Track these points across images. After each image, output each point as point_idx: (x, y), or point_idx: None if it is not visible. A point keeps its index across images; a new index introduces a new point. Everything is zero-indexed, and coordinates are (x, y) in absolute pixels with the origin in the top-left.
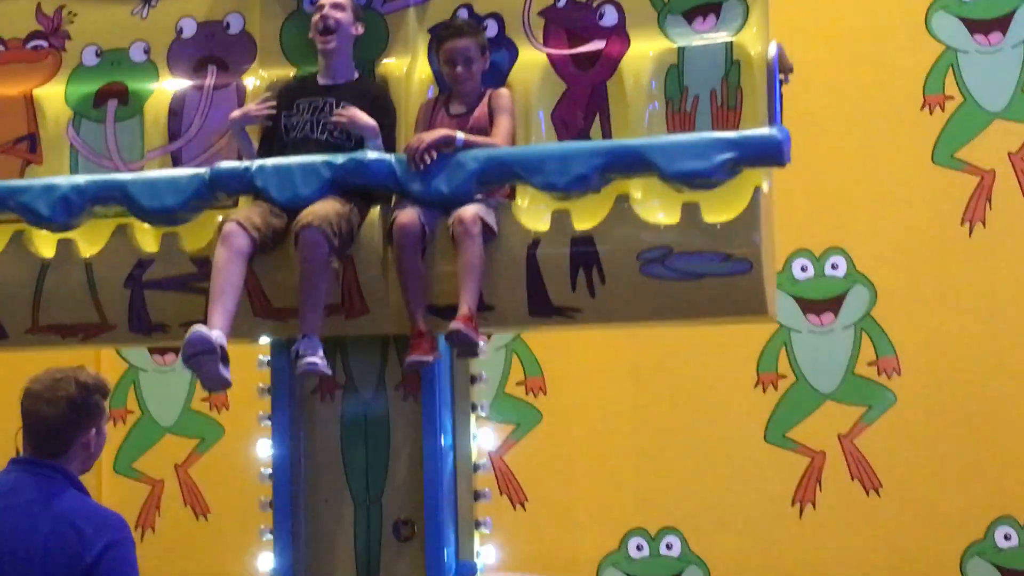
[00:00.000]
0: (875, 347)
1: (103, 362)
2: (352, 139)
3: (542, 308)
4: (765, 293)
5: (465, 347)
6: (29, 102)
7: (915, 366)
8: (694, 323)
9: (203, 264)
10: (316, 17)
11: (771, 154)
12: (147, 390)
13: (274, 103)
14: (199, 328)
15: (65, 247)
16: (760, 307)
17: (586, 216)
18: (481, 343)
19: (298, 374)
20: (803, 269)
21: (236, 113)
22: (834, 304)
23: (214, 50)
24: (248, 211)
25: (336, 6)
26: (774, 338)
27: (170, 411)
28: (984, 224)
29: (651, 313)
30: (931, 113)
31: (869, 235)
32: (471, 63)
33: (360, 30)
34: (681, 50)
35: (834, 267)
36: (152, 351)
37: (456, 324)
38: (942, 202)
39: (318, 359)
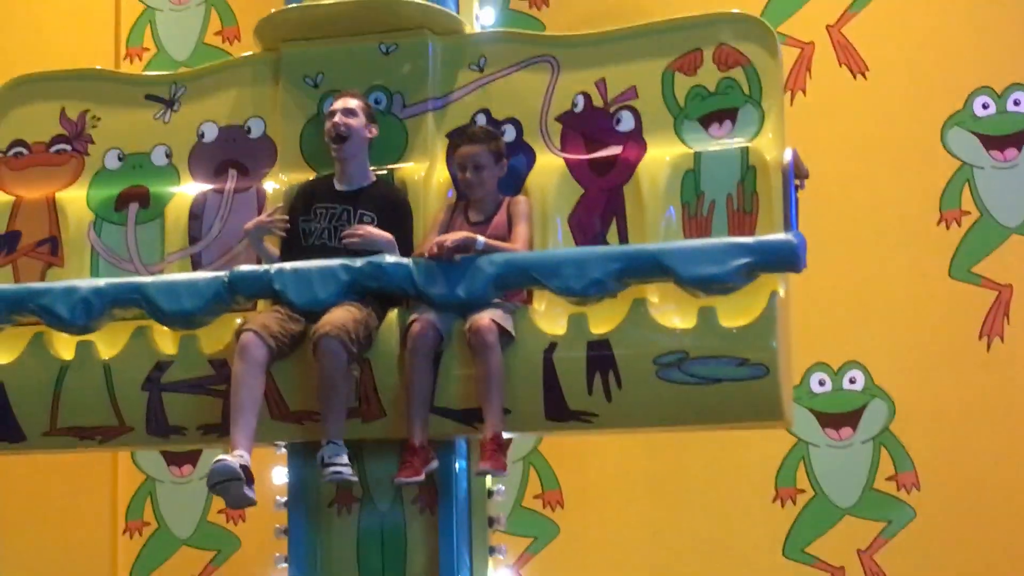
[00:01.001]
0: (894, 462)
1: (121, 474)
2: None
3: (559, 412)
4: (782, 398)
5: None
6: (52, 205)
7: (934, 481)
8: (710, 428)
9: (221, 366)
10: (328, 125)
11: (787, 259)
12: (164, 501)
13: (285, 217)
14: (224, 459)
15: (84, 349)
16: (776, 412)
17: (603, 320)
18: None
19: (324, 482)
20: (821, 383)
21: (249, 224)
22: (852, 418)
23: (235, 154)
24: (265, 318)
25: (348, 112)
26: (792, 452)
27: (187, 523)
28: (1002, 339)
29: (667, 418)
30: (948, 228)
31: (887, 349)
32: (481, 170)
33: (374, 132)
34: (697, 155)
35: (852, 381)
36: (169, 462)
37: (483, 466)
38: (960, 317)
39: (344, 467)
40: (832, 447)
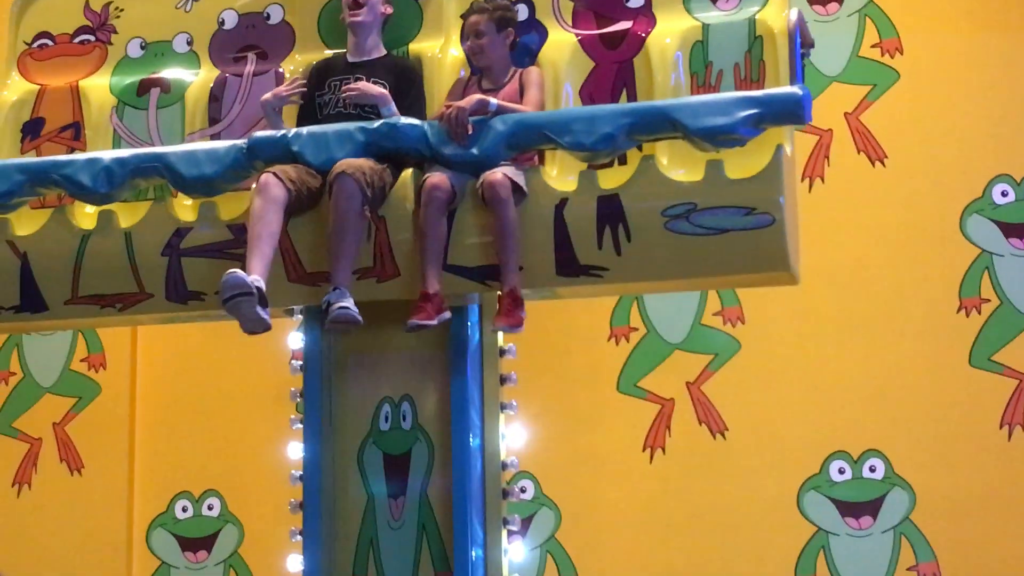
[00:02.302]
0: (915, 552)
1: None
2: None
3: (570, 267)
4: (787, 247)
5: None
6: (75, 92)
7: (955, 571)
8: (717, 280)
9: (240, 231)
10: None
11: (793, 110)
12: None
13: (303, 83)
14: (236, 271)
15: (105, 218)
16: (782, 262)
17: (612, 176)
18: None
19: (329, 322)
20: (841, 471)
21: (267, 95)
22: (872, 507)
23: (254, 39)
24: (285, 166)
25: None
26: (812, 541)
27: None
28: None
29: (676, 271)
30: (967, 316)
31: (907, 438)
32: (483, 36)
33: (389, 10)
34: (706, 27)
35: (872, 470)
36: (184, 551)
37: (500, 322)
38: (980, 405)
39: (349, 305)
40: (852, 536)
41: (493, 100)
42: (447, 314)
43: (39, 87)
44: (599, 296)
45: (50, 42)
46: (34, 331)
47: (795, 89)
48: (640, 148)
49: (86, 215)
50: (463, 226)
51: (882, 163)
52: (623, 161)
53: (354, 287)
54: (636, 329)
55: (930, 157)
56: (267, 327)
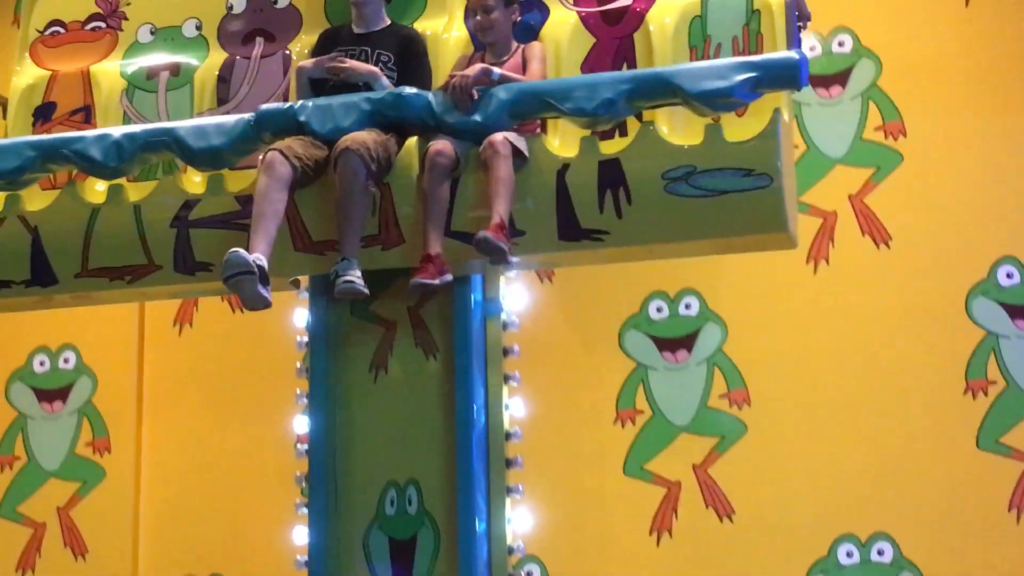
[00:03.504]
0: None
1: None
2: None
3: (571, 231)
4: (785, 208)
5: (495, 254)
6: (86, 77)
7: None
8: (718, 243)
9: (247, 202)
10: None
11: (789, 74)
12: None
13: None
14: (237, 250)
15: (115, 192)
16: (780, 222)
17: (613, 143)
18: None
19: (336, 293)
20: (849, 554)
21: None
22: None
23: (262, 23)
24: (290, 141)
25: None
26: None
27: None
28: None
29: (676, 232)
30: (974, 398)
31: (915, 520)
32: (491, 11)
33: None
34: (704, 1)
35: (880, 553)
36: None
37: (484, 232)
38: (988, 488)
39: (355, 278)
40: None
41: (496, 70)
42: (449, 276)
43: (51, 73)
44: (600, 263)
45: (62, 29)
46: (44, 306)
47: (791, 54)
48: (640, 118)
49: (96, 191)
50: (466, 193)
51: (887, 245)
52: (624, 132)
53: (360, 255)
54: (642, 412)
55: (935, 239)
56: (267, 304)
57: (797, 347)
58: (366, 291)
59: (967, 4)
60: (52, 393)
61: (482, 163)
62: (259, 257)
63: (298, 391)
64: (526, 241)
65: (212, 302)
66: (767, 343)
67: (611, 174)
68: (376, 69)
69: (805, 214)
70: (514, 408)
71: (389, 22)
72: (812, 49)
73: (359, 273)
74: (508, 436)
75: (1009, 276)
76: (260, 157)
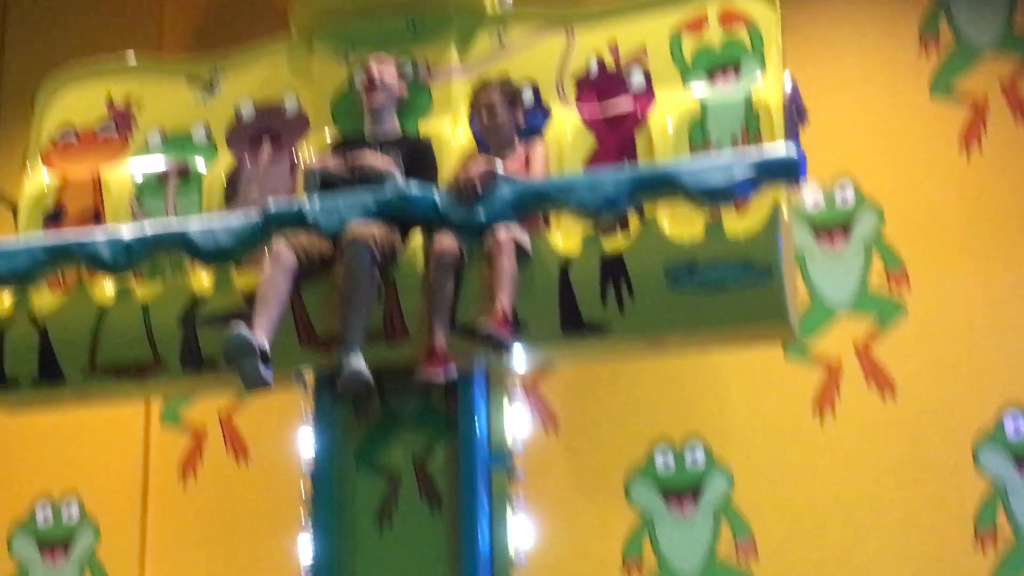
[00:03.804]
0: None
1: None
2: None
3: (573, 323)
4: (786, 300)
5: (497, 345)
6: (96, 181)
7: None
8: (719, 335)
9: (253, 300)
10: (363, 75)
11: (788, 169)
12: None
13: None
14: (240, 327)
15: (123, 290)
16: (781, 314)
17: (615, 239)
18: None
19: (340, 386)
20: None
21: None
22: None
23: (270, 128)
24: (296, 233)
25: (381, 65)
26: None
27: None
28: None
29: (678, 326)
30: (984, 551)
31: None
32: (495, 108)
33: (404, 92)
34: (704, 103)
35: None
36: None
37: (486, 324)
38: None
39: (360, 368)
40: None
41: (499, 162)
42: (454, 370)
43: (61, 178)
44: (602, 358)
45: (73, 134)
46: (52, 406)
47: (790, 148)
48: (642, 214)
49: (104, 289)
50: (470, 288)
51: (892, 395)
52: (625, 226)
53: (364, 349)
54: (648, 563)
55: (940, 389)
56: (268, 385)
57: (804, 498)
58: (371, 381)
59: (968, 156)
60: (54, 545)
61: (486, 257)
62: (261, 337)
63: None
64: (528, 332)
65: (217, 453)
66: (774, 494)
67: (613, 268)
68: (391, 164)
69: (810, 364)
70: (519, 557)
71: (400, 131)
72: (815, 202)
73: (363, 362)
74: None
75: (1016, 427)
76: (266, 249)
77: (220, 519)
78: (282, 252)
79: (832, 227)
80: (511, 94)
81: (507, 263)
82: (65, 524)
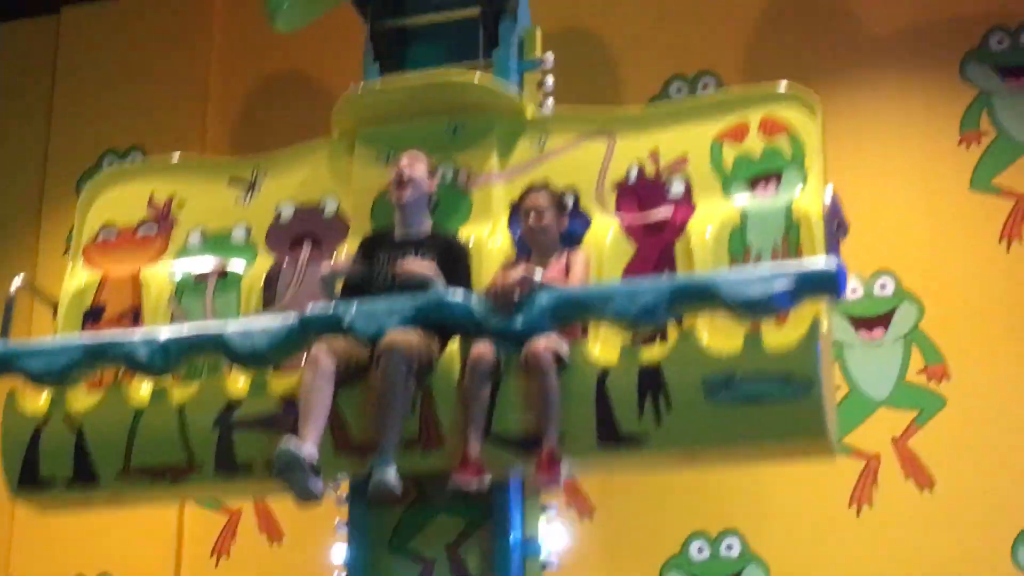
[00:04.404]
0: None
1: None
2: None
3: (611, 436)
4: (825, 415)
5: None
6: (136, 280)
7: None
8: (757, 449)
9: (290, 404)
10: (393, 174)
11: (828, 283)
12: None
13: (355, 260)
14: (290, 442)
15: (159, 394)
16: (820, 430)
17: (653, 349)
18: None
19: (369, 492)
20: None
21: (326, 270)
22: None
23: (309, 230)
24: (333, 339)
25: (411, 162)
26: None
27: None
28: None
29: (716, 439)
30: None
31: None
32: (543, 214)
33: (434, 187)
34: (744, 213)
35: None
36: None
37: (537, 479)
38: None
39: (390, 477)
40: None
41: (538, 270)
42: (487, 479)
43: (101, 275)
44: (639, 470)
45: (114, 233)
46: (85, 507)
47: (831, 262)
48: (680, 323)
49: (140, 391)
50: (507, 396)
51: (930, 490)
52: (664, 336)
53: (399, 456)
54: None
55: (980, 484)
56: (318, 499)
57: None
58: (398, 491)
59: (1008, 248)
60: None
61: (523, 368)
62: (310, 449)
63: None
64: (564, 444)
65: (251, 533)
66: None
67: (651, 380)
68: (432, 269)
69: (848, 456)
70: None
71: (431, 229)
72: (854, 291)
73: (394, 471)
74: None
75: None
76: (304, 354)
77: None
78: (321, 358)
79: (872, 319)
80: (558, 199)
81: (548, 385)
82: None
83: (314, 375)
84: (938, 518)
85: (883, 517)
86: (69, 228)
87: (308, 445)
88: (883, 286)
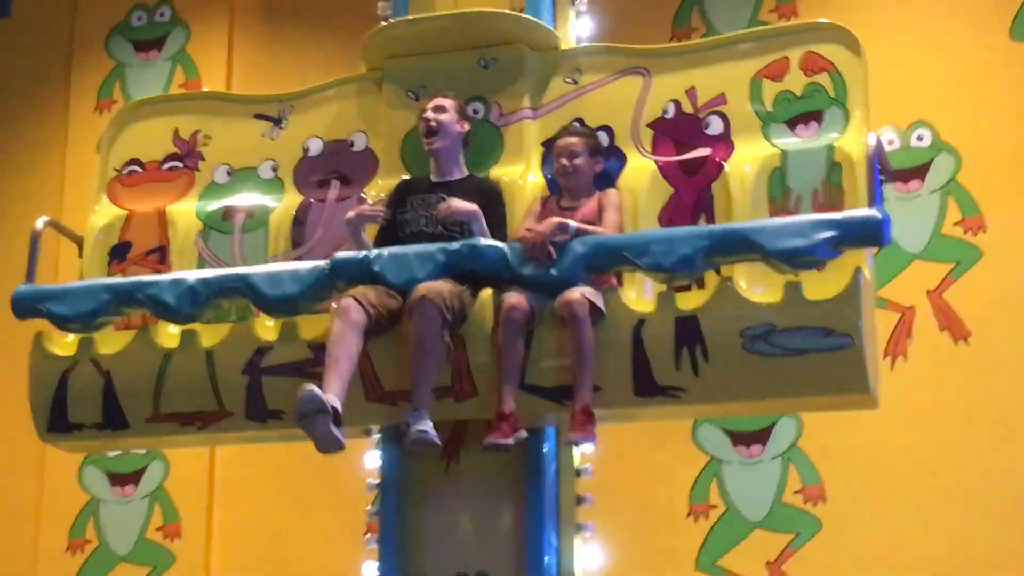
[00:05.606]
0: None
1: None
2: (463, 231)
3: (647, 388)
4: (867, 368)
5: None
6: (162, 217)
7: None
8: (797, 402)
9: (320, 350)
10: (420, 122)
11: (871, 233)
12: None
13: (386, 205)
14: (311, 387)
15: (188, 337)
16: (862, 383)
17: (690, 298)
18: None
19: (408, 445)
20: None
21: (351, 213)
22: None
23: (338, 166)
24: (364, 289)
25: (438, 108)
26: None
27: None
28: None
29: (755, 391)
30: None
31: None
32: (576, 157)
33: (466, 128)
34: (784, 153)
35: None
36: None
37: (572, 437)
38: None
39: (428, 428)
40: None
41: (572, 222)
42: (524, 433)
43: (127, 212)
44: (677, 419)
45: (139, 168)
46: (114, 449)
47: (874, 212)
48: (718, 271)
49: (169, 335)
50: (541, 346)
51: (965, 341)
52: (701, 284)
53: (432, 407)
54: (715, 506)
55: (1016, 335)
56: (341, 446)
57: (873, 443)
58: (438, 442)
59: None
60: (124, 477)
61: (558, 319)
62: (333, 397)
63: (367, 536)
64: (601, 396)
65: None
66: (842, 438)
67: (688, 331)
68: (477, 209)
69: (883, 309)
70: (587, 559)
71: (467, 172)
72: (891, 143)
73: (431, 424)
74: (579, 528)
75: None
76: (333, 304)
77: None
78: (351, 308)
79: (908, 171)
80: (593, 142)
81: (584, 336)
82: (134, 455)
83: (343, 326)
84: (973, 370)
85: (917, 369)
86: (98, 83)
87: (331, 394)
88: (920, 138)
